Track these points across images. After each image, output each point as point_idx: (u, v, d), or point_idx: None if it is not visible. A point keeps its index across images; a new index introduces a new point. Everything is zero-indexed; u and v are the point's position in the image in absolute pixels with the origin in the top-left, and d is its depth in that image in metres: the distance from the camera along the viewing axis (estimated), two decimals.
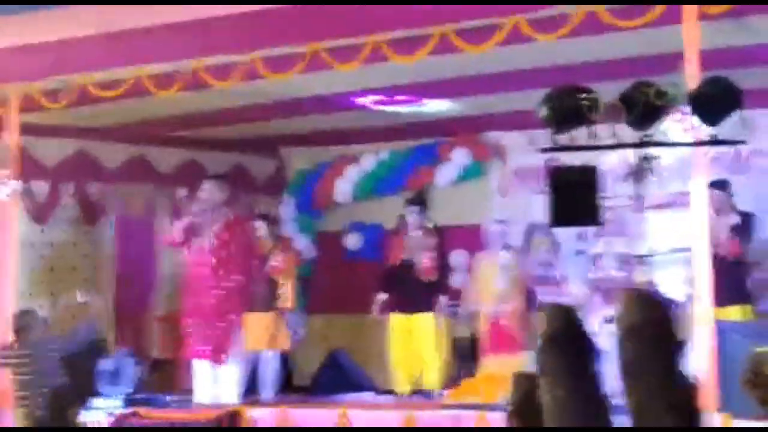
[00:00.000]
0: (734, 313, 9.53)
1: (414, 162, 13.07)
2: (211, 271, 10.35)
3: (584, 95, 6.18)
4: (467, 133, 12.82)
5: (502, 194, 12.85)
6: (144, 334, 12.29)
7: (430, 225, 11.09)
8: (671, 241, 11.20)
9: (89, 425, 9.72)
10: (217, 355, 10.38)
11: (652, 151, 6.38)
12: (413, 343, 10.86)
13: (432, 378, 10.82)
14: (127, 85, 9.51)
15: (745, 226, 10.04)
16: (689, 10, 7.69)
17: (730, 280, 9.27)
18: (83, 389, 10.31)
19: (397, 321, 10.95)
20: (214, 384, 10.58)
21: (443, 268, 11.04)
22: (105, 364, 10.80)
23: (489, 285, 10.83)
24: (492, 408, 9.31)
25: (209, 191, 10.52)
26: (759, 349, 4.00)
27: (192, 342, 10.47)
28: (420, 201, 11.31)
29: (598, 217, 6.71)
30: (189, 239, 10.57)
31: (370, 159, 13.32)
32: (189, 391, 11.27)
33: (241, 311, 10.51)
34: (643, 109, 6.11)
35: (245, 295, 10.52)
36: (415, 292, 10.86)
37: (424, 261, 10.82)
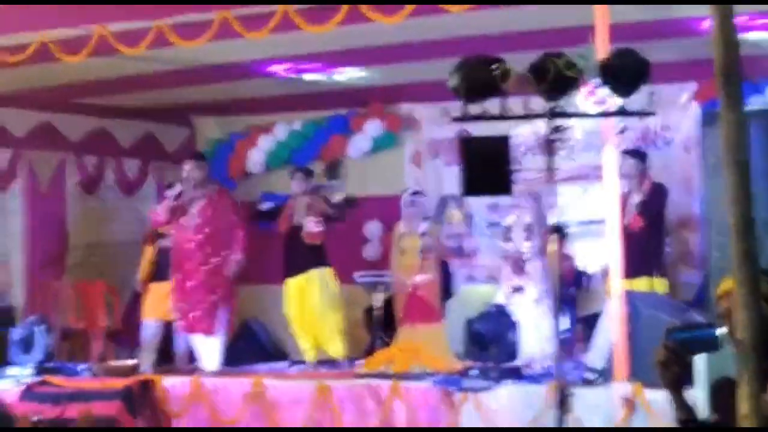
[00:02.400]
0: (641, 284, 9.63)
1: (327, 132, 13.04)
2: (197, 247, 10.47)
3: (495, 65, 6.19)
4: (380, 104, 12.81)
5: (415, 165, 12.88)
6: (55, 302, 12.14)
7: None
8: (582, 214, 11.33)
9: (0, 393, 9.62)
10: (208, 328, 10.56)
11: (563, 122, 6.39)
12: (307, 304, 10.91)
13: (334, 342, 10.86)
14: (33, 50, 9.32)
15: (654, 198, 10.14)
16: None
17: (637, 252, 9.36)
18: None
19: (290, 285, 11.01)
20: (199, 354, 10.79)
21: (328, 233, 11.06)
22: (15, 333, 10.69)
23: (406, 255, 10.84)
24: (407, 377, 9.37)
25: (190, 170, 10.57)
26: (669, 327, 4.01)
27: (184, 316, 10.58)
28: (302, 169, 11.34)
29: (509, 187, 6.74)
30: (174, 218, 10.65)
31: (283, 129, 13.26)
32: (103, 360, 11.28)
33: (229, 284, 10.74)
34: (553, 79, 6.13)
35: (231, 270, 10.76)
36: (301, 257, 10.95)
37: (308, 226, 10.85)
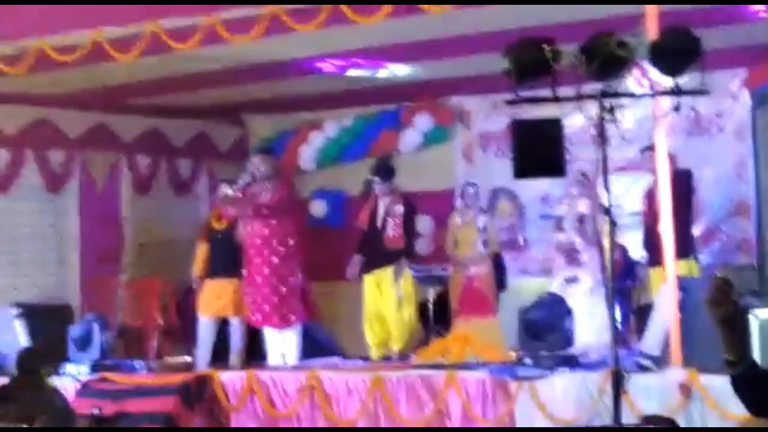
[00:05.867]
0: (680, 268, 9.55)
1: (377, 128, 13.07)
2: (264, 240, 10.53)
3: (546, 46, 6.20)
4: (430, 98, 12.82)
5: (466, 159, 12.88)
6: (111, 301, 12.27)
7: (398, 192, 11.12)
8: (634, 204, 11.28)
9: (60, 390, 9.70)
10: (282, 320, 10.57)
11: (614, 103, 6.37)
12: (382, 301, 10.89)
13: (399, 337, 10.84)
14: (86, 49, 9.41)
15: (681, 184, 9.99)
16: None
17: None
18: (53, 352, 10.27)
19: (368, 281, 10.98)
20: (281, 347, 10.72)
21: (410, 236, 11.07)
22: (73, 331, 10.80)
23: (462, 247, 10.85)
24: (461, 367, 9.37)
25: (257, 164, 10.69)
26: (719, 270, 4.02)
27: (255, 310, 10.62)
28: (386, 168, 11.32)
29: (562, 169, 6.73)
30: (242, 211, 10.72)
31: (333, 125, 13.31)
32: (160, 357, 11.36)
33: (298, 275, 10.75)
34: (605, 59, 6.13)
35: (300, 261, 10.76)
36: (381, 259, 10.90)
37: (391, 229, 10.84)
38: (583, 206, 10.22)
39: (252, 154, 11.24)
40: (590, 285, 10.04)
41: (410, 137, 12.90)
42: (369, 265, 11.00)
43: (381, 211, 10.97)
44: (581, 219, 10.20)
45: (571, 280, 10.14)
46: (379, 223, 10.93)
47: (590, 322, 9.75)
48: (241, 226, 10.76)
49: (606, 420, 7.96)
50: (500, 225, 12.52)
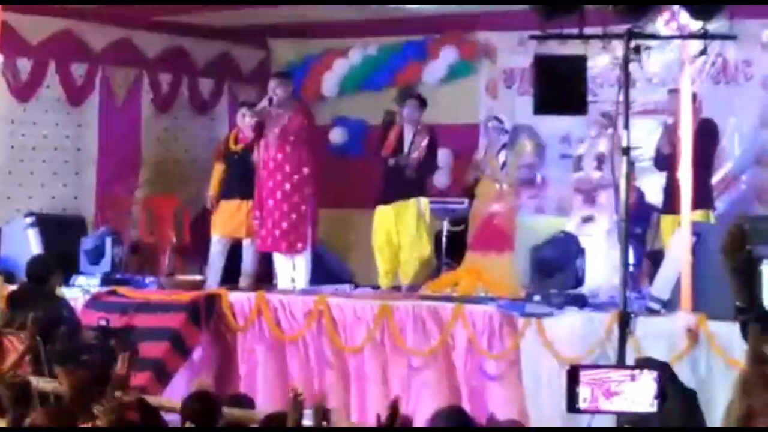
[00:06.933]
0: (696, 218, 9.50)
1: (403, 58, 12.95)
2: (278, 165, 10.55)
3: None
4: (456, 31, 12.70)
5: (490, 94, 12.78)
6: (125, 216, 12.29)
7: (424, 123, 11.08)
8: (651, 148, 11.20)
9: (68, 299, 9.76)
10: (290, 246, 10.61)
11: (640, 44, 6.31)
12: (399, 231, 10.87)
13: (413, 268, 10.83)
14: None
15: (705, 133, 9.89)
16: None
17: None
18: (63, 263, 10.30)
19: (381, 212, 10.96)
20: (291, 272, 10.78)
21: (432, 168, 11.04)
22: (85, 243, 10.84)
23: (484, 182, 10.81)
24: (470, 300, 9.39)
25: (274, 88, 10.65)
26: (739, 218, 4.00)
27: (266, 234, 10.63)
28: (417, 98, 11.25)
29: (583, 106, 6.67)
30: (259, 136, 10.73)
31: (357, 53, 13.21)
32: (171, 274, 11.40)
33: (311, 202, 10.77)
34: None
35: (313, 186, 10.78)
36: (403, 189, 10.89)
37: (415, 160, 10.81)
38: (603, 147, 10.16)
39: (271, 77, 11.16)
40: (606, 226, 10.01)
41: (435, 69, 12.76)
42: (389, 195, 10.98)
43: (407, 142, 10.94)
44: (600, 159, 10.14)
45: (588, 220, 10.11)
46: (404, 154, 10.90)
47: (603, 263, 9.74)
48: (257, 149, 10.75)
49: (611, 360, 7.97)
50: (519, 162, 12.45)
